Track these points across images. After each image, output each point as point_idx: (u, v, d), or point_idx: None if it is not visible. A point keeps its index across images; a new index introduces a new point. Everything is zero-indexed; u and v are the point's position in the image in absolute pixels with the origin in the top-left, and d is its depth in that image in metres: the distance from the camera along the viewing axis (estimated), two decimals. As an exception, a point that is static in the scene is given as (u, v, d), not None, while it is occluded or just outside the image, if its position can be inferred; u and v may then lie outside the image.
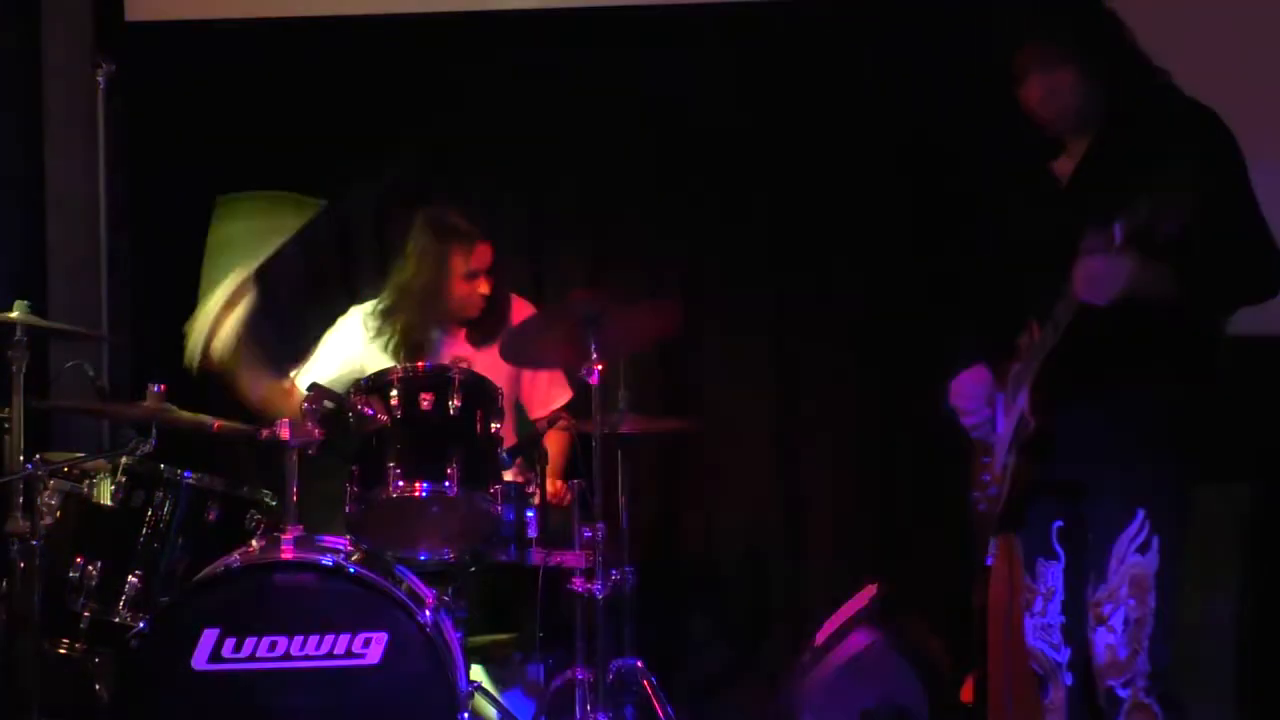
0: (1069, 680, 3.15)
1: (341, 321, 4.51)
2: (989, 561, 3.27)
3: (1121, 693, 2.98)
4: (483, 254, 4.39)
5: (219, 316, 4.03)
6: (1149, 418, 3.01)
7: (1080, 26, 3.01)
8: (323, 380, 4.28)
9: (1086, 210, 2.96)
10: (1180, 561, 3.02)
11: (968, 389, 3.23)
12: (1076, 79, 3.00)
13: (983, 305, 3.33)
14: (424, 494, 3.66)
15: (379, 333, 4.41)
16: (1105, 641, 3.01)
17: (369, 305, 4.48)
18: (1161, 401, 3.01)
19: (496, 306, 4.44)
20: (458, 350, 4.38)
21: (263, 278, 4.20)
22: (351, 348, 4.43)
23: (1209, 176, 2.82)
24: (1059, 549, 3.15)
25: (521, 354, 4.15)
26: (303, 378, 4.38)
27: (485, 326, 4.42)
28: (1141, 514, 2.98)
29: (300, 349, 4.53)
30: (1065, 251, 2.94)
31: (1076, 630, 3.14)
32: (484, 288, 4.38)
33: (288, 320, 4.82)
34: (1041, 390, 3.02)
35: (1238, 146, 2.99)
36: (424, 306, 4.40)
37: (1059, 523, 3.15)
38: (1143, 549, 2.97)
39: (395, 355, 4.36)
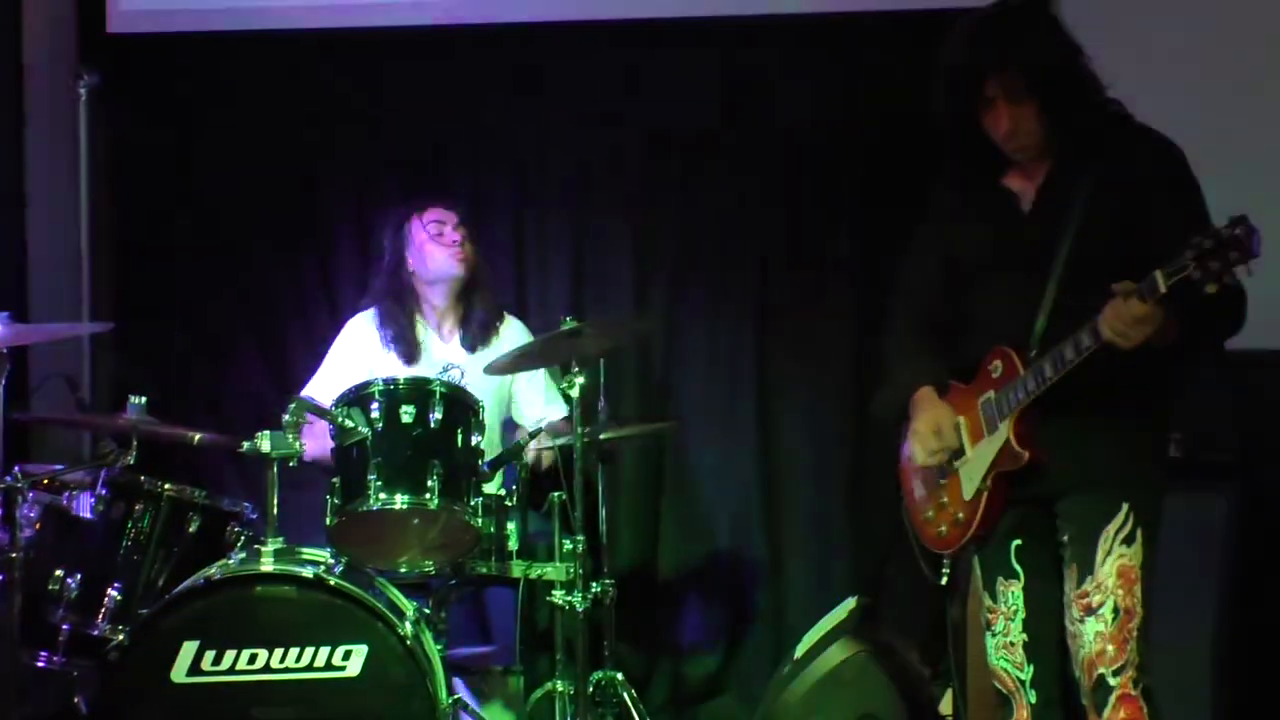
0: (1033, 699, 3.13)
1: (347, 328, 4.50)
2: (947, 580, 3.26)
3: (1112, 680, 2.99)
4: (439, 212, 4.41)
5: None
6: (1132, 434, 3.03)
7: (1047, 60, 2.99)
8: (333, 386, 4.30)
9: (1053, 238, 2.97)
10: (1157, 554, 3.04)
11: (931, 428, 3.18)
12: (1040, 110, 3.00)
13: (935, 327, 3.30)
14: (405, 506, 3.65)
15: (382, 330, 4.42)
16: (1095, 630, 3.00)
17: (370, 312, 4.48)
18: (1139, 423, 3.04)
19: (492, 311, 4.46)
20: (451, 355, 4.39)
21: None
22: (359, 352, 4.43)
23: (1186, 214, 2.85)
24: (1018, 568, 3.13)
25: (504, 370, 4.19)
26: (313, 386, 4.39)
27: (479, 331, 4.43)
28: (1126, 506, 2.98)
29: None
30: (1032, 277, 2.96)
31: (1042, 647, 3.13)
32: (453, 234, 4.38)
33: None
34: (1028, 422, 3.01)
35: (1195, 178, 3.01)
36: (404, 296, 4.41)
37: (1017, 541, 3.13)
38: (1129, 540, 2.99)
39: (396, 353, 4.37)
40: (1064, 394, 2.95)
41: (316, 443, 3.84)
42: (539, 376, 4.49)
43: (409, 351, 4.37)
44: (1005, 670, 3.17)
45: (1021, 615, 3.14)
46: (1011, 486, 3.06)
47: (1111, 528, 2.99)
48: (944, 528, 3.18)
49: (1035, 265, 3.00)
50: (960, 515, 3.13)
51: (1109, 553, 2.99)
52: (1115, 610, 2.99)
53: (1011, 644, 3.16)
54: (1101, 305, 2.81)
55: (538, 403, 4.48)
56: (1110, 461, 3.03)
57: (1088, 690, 3.03)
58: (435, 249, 4.38)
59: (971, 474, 3.11)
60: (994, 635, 3.19)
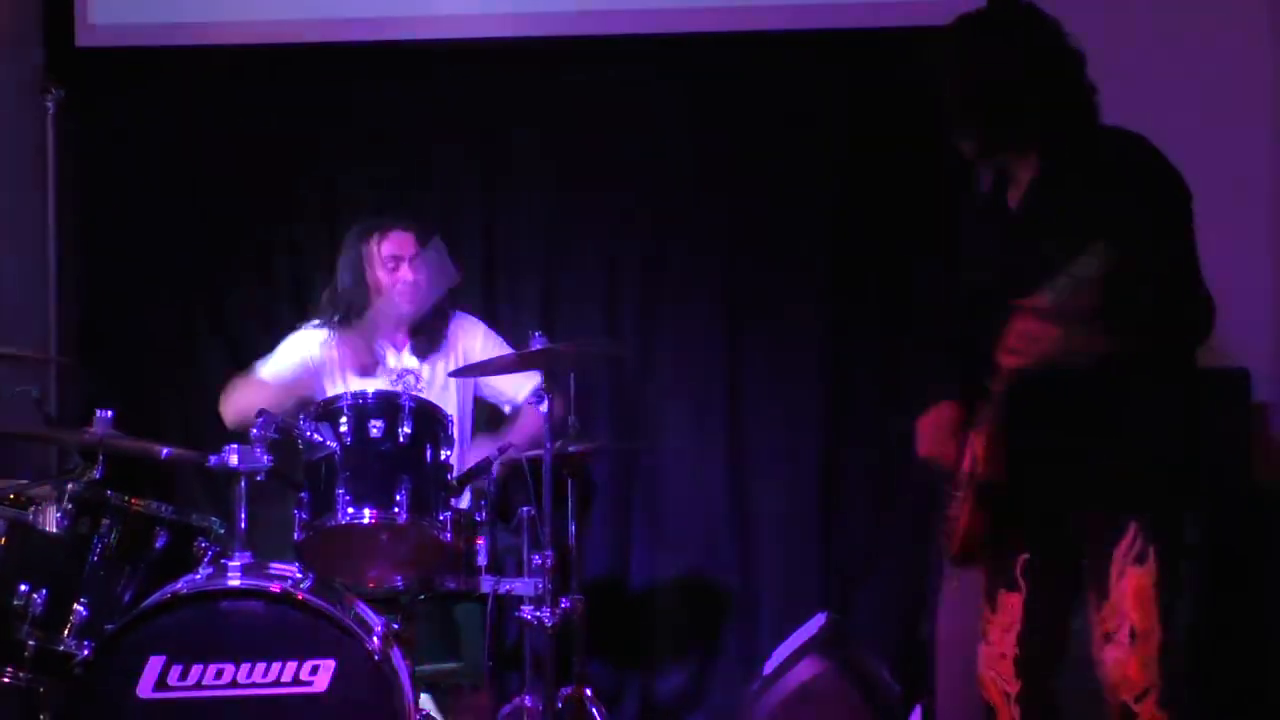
0: (1018, 713, 3.12)
1: (305, 328, 4.52)
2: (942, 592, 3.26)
3: (1135, 706, 2.94)
4: (400, 240, 4.41)
5: None
6: (1139, 446, 2.98)
7: (1032, 63, 2.98)
8: (279, 375, 4.38)
9: (1036, 252, 2.95)
10: (1178, 569, 2.98)
11: (928, 431, 3.21)
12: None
13: (947, 342, 3.31)
14: (373, 521, 3.66)
15: (335, 355, 4.43)
16: (1114, 657, 2.97)
17: (324, 329, 4.49)
18: (1146, 434, 2.98)
19: (437, 314, 4.45)
20: (404, 363, 4.40)
21: None
22: (309, 351, 4.44)
23: (1146, 224, 2.83)
24: (1023, 581, 3.10)
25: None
26: (261, 366, 4.42)
27: (428, 337, 4.44)
28: (1134, 526, 2.94)
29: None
30: (1015, 290, 2.94)
31: (1034, 664, 3.12)
32: (407, 274, 4.38)
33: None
34: (994, 444, 3.00)
35: (1179, 181, 2.96)
36: (355, 311, 4.41)
37: (1025, 555, 3.10)
38: (1140, 559, 2.93)
39: (350, 367, 4.39)
40: (1066, 407, 2.94)
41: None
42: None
43: (367, 367, 4.38)
44: (994, 680, 3.16)
45: (1018, 629, 3.11)
46: (982, 508, 3.04)
47: (1121, 550, 2.95)
48: (945, 538, 3.18)
49: (1022, 276, 2.95)
50: (953, 530, 3.13)
51: (1121, 574, 2.94)
52: (1132, 634, 2.94)
53: (1003, 656, 3.13)
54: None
55: (513, 379, 4.44)
56: (1115, 476, 2.98)
57: (1115, 712, 2.99)
58: (388, 285, 4.39)
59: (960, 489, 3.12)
60: (988, 645, 3.17)
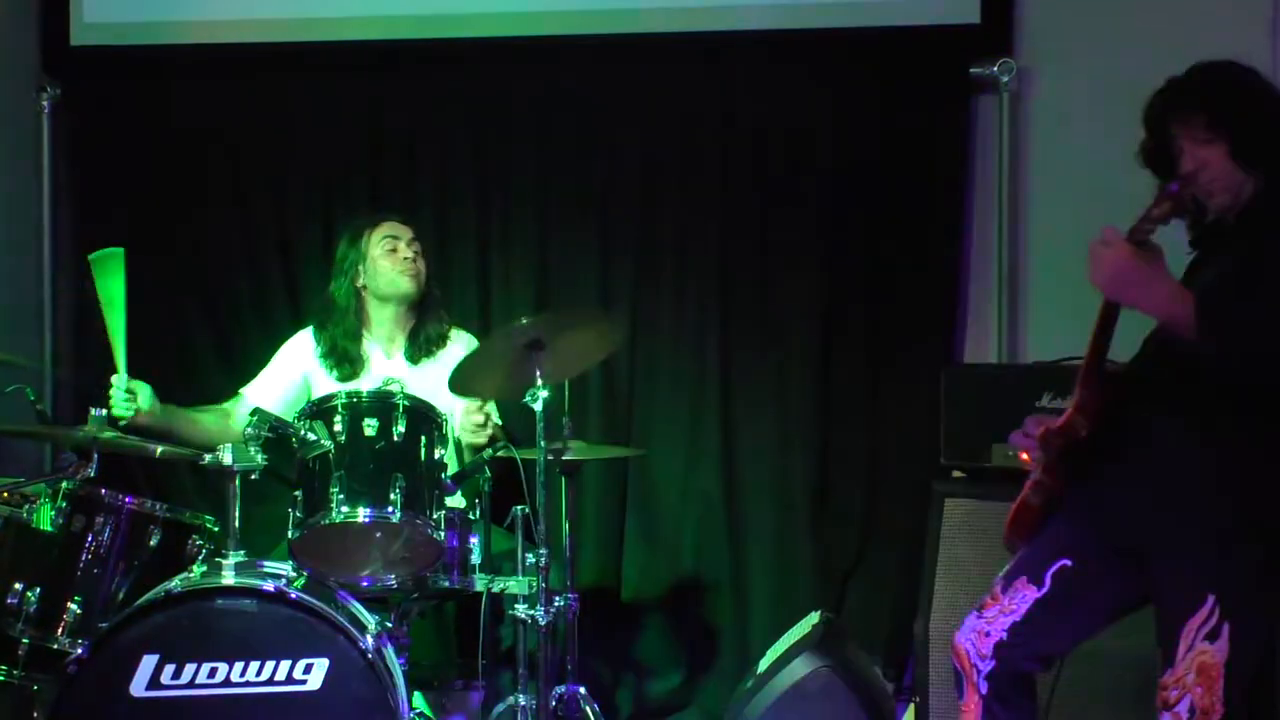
0: (985, 689, 3.11)
1: (292, 342, 4.53)
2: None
3: None
4: (393, 226, 4.45)
5: None
6: (1214, 488, 2.93)
7: (1227, 100, 2.99)
8: (271, 391, 4.39)
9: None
10: (1259, 649, 2.95)
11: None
12: (1230, 154, 2.97)
13: None
14: (367, 520, 3.66)
15: (320, 348, 4.45)
16: None
17: (312, 329, 4.52)
18: (1229, 469, 2.94)
19: (436, 322, 4.47)
20: (394, 370, 4.39)
21: None
22: (299, 362, 4.46)
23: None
24: (1049, 582, 3.09)
25: (467, 386, 4.14)
26: (252, 388, 4.43)
27: (425, 341, 4.45)
28: (1211, 600, 2.88)
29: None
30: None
31: (1013, 654, 3.11)
32: (405, 251, 4.42)
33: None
34: (1091, 390, 3.02)
35: None
36: (351, 312, 4.43)
37: (1067, 561, 3.09)
38: (1212, 636, 2.88)
39: (334, 370, 4.40)
40: (1146, 432, 2.95)
41: None
42: None
43: (351, 369, 4.40)
44: (968, 653, 3.15)
45: (1017, 621, 3.11)
46: (1058, 475, 3.08)
47: (1195, 622, 2.90)
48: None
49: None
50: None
51: (1190, 648, 2.90)
52: (1191, 709, 2.91)
53: (987, 635, 3.13)
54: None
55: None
56: (1200, 534, 2.92)
57: None
58: (387, 265, 4.41)
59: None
60: (978, 618, 3.16)
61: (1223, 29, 4.71)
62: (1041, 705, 3.26)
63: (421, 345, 4.45)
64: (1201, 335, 2.82)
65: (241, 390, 4.47)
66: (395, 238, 4.43)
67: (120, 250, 4.00)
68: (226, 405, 4.45)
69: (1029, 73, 4.95)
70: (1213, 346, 2.83)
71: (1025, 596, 3.11)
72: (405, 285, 4.42)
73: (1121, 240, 2.90)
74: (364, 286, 4.44)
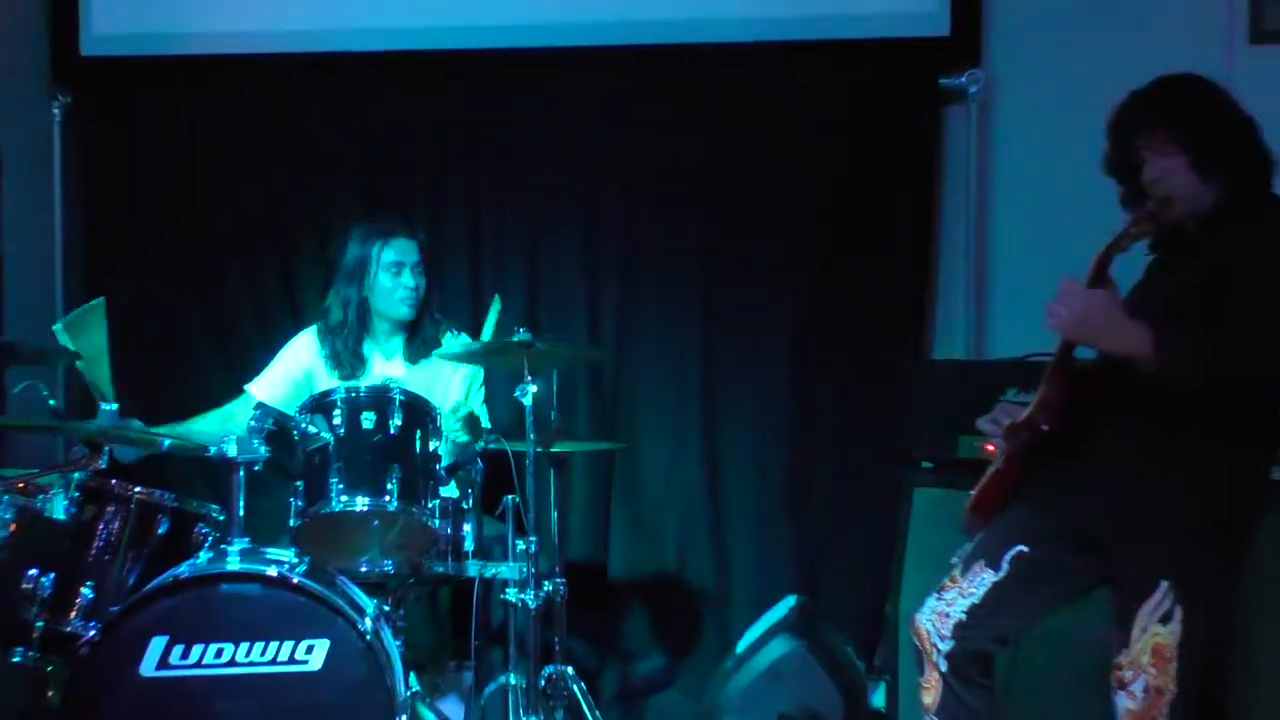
0: (944, 668, 3.18)
1: (296, 342, 4.59)
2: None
3: None
4: (403, 247, 4.46)
5: None
6: (1169, 479, 3.01)
7: (1188, 113, 3.06)
8: (275, 388, 4.46)
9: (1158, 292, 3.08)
10: (1209, 630, 3.00)
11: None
12: (1190, 165, 3.05)
13: None
14: (365, 509, 3.72)
15: (324, 350, 4.51)
16: (1125, 706, 3.02)
17: (315, 329, 4.58)
18: (1184, 461, 3.01)
19: (432, 325, 4.53)
20: (394, 370, 4.45)
21: None
22: (301, 360, 4.52)
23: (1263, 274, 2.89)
24: (1007, 567, 3.15)
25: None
26: (256, 385, 4.49)
27: (422, 344, 4.50)
28: (1164, 586, 2.96)
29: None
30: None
31: (973, 634, 3.18)
32: (408, 279, 4.44)
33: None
34: (1058, 387, 3.09)
35: None
36: (354, 323, 4.47)
37: (1023, 547, 3.16)
38: (1165, 619, 2.96)
39: (335, 370, 4.47)
40: (1112, 429, 3.02)
41: None
42: (468, 378, 4.55)
43: (352, 370, 4.46)
44: (928, 633, 3.21)
45: (974, 602, 3.17)
46: (1021, 465, 3.14)
47: (1147, 606, 2.98)
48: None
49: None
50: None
51: (1144, 630, 2.98)
52: (1145, 689, 2.99)
53: (946, 615, 3.19)
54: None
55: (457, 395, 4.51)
56: (1152, 522, 2.99)
57: None
58: (389, 288, 4.45)
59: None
60: (938, 599, 3.22)
61: (1184, 43, 4.80)
62: (1000, 684, 3.31)
63: (419, 346, 4.50)
64: (1163, 375, 2.91)
65: (246, 387, 4.51)
66: (401, 263, 4.45)
67: (101, 300, 3.99)
68: (230, 406, 4.49)
69: (997, 83, 5.02)
70: (1178, 381, 2.91)
71: (983, 580, 3.18)
72: (404, 312, 4.47)
73: (1082, 288, 3.00)
74: (366, 296, 4.48)
